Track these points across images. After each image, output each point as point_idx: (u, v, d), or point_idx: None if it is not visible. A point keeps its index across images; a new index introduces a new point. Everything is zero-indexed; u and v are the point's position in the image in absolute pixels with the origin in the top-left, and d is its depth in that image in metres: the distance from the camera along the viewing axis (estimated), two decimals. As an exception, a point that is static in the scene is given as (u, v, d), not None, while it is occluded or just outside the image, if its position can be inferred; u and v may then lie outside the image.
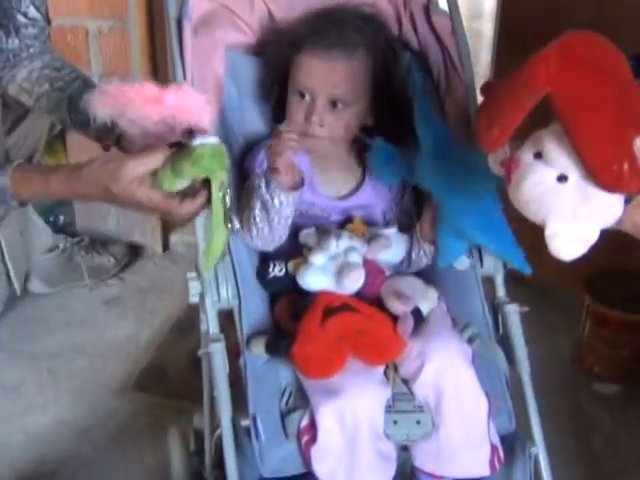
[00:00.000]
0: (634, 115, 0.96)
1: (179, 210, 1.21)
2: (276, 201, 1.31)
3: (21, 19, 1.38)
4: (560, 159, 0.98)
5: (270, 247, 1.38)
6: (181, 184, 1.18)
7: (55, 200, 1.23)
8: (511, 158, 1.03)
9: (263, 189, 1.32)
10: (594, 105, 0.95)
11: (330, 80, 1.38)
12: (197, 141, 1.15)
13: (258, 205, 1.33)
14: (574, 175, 0.98)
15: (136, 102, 1.16)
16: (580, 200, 0.99)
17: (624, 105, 0.96)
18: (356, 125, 1.44)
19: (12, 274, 2.50)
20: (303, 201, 1.40)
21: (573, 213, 0.99)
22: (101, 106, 1.18)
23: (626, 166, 0.94)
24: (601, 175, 0.95)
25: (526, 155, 1.02)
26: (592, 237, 1.01)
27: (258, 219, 1.33)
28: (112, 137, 1.41)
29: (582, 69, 0.96)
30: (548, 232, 1.01)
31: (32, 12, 1.42)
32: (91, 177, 1.19)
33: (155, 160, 1.17)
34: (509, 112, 1.00)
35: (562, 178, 0.99)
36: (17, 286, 2.48)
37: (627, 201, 1.00)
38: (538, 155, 1.01)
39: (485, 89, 1.10)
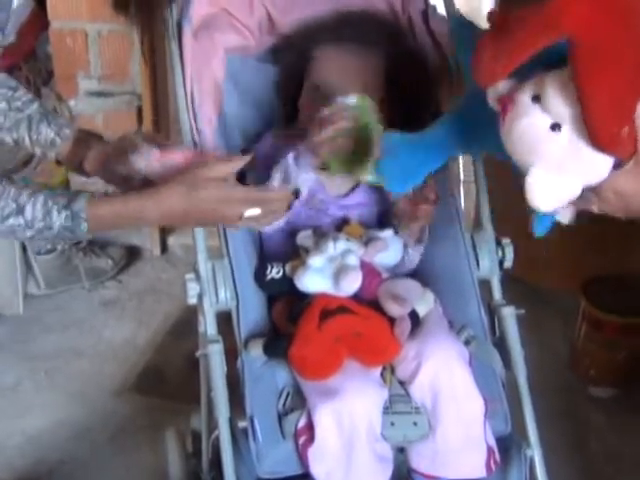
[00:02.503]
0: None
1: (271, 196, 1.22)
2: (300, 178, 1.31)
3: None
4: (558, 107, 0.95)
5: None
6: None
7: (127, 226, 1.23)
8: (509, 96, 1.00)
9: (291, 164, 1.30)
10: (614, 60, 0.90)
11: (345, 73, 1.41)
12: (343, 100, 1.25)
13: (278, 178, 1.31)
14: (568, 126, 0.95)
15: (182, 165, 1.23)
16: (569, 153, 0.96)
17: None
18: None
19: (37, 272, 2.57)
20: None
21: (559, 165, 0.97)
22: (154, 162, 1.22)
23: (626, 130, 0.92)
24: (599, 133, 0.92)
25: (524, 96, 0.98)
26: (571, 193, 0.99)
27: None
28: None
29: (612, 15, 0.90)
30: (530, 179, 0.98)
31: None
32: (170, 187, 1.20)
33: (235, 164, 1.22)
34: (519, 47, 0.94)
35: (556, 127, 0.96)
36: (42, 283, 2.60)
37: (615, 166, 0.97)
38: (536, 98, 0.97)
39: (493, 17, 1.02)
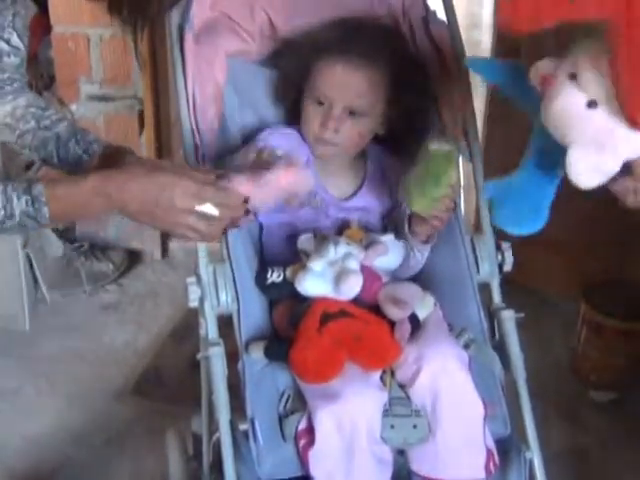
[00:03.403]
0: None
1: (226, 188, 1.18)
2: None
3: (4, 46, 1.34)
4: (593, 85, 0.95)
5: None
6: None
7: (84, 213, 1.20)
8: (549, 74, 1.01)
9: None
10: None
11: (349, 88, 1.41)
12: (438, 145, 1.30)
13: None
14: (604, 103, 0.95)
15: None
16: (606, 130, 0.96)
17: None
18: (369, 134, 1.46)
19: (42, 286, 2.57)
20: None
21: (597, 143, 0.97)
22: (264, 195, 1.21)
23: None
24: (634, 113, 0.92)
25: (561, 74, 0.99)
26: (613, 168, 0.98)
27: None
28: None
29: None
30: (570, 158, 0.98)
31: (15, 40, 1.36)
32: (131, 167, 1.18)
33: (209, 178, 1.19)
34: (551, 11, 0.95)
35: (592, 104, 0.96)
36: (47, 296, 2.59)
37: None
38: (573, 76, 0.98)
39: None
